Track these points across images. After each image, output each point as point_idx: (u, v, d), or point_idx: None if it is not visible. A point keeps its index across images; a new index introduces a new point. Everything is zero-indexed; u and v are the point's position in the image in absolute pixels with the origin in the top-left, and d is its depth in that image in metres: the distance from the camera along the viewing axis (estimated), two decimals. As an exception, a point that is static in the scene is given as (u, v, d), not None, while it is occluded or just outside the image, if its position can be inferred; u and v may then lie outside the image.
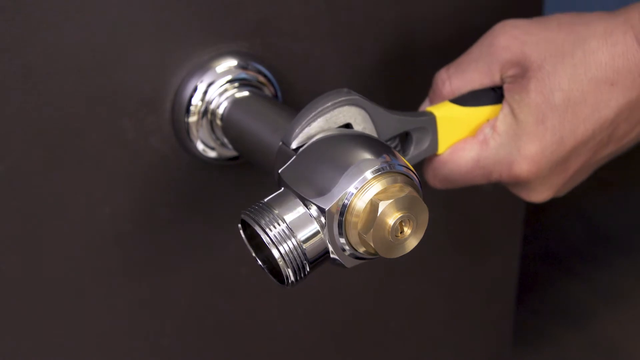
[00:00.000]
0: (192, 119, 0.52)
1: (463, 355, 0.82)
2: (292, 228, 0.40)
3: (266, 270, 0.42)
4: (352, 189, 0.39)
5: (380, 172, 0.40)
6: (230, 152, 0.54)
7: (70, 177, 0.51)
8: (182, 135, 0.53)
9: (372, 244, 0.39)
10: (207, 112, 0.52)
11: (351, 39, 0.58)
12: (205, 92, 0.52)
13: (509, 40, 0.49)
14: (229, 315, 0.63)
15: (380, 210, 0.38)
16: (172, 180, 0.55)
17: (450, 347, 0.81)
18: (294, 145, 0.43)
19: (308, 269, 0.40)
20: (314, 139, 0.43)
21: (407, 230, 0.40)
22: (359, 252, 0.41)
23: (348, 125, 0.45)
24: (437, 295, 0.76)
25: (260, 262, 0.42)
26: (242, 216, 0.41)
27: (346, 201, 0.39)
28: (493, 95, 0.50)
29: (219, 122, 0.52)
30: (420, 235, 0.41)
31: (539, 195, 0.52)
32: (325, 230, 0.40)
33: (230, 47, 0.53)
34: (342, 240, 0.40)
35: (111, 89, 0.50)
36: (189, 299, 0.60)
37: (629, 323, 1.08)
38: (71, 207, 0.52)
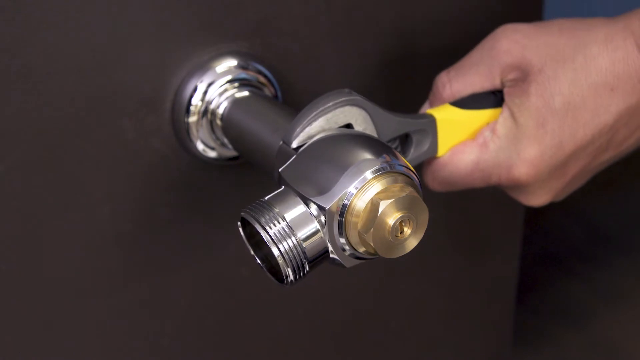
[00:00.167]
0: (192, 119, 0.52)
1: (463, 355, 0.82)
2: (292, 226, 0.40)
3: (265, 270, 0.42)
4: (352, 188, 0.39)
5: (381, 172, 0.40)
6: (230, 152, 0.54)
7: (70, 177, 0.51)
8: (182, 135, 0.53)
9: (372, 244, 0.39)
10: (207, 112, 0.52)
11: (351, 39, 0.58)
12: (205, 92, 0.52)
13: (510, 44, 0.49)
14: (229, 315, 0.63)
15: (380, 210, 0.38)
16: (172, 180, 0.55)
17: (450, 347, 0.81)
18: (294, 145, 0.43)
19: (307, 268, 0.40)
20: (314, 139, 0.43)
21: (407, 230, 0.40)
22: (359, 252, 0.41)
23: (349, 126, 0.45)
24: (437, 295, 0.76)
25: (259, 261, 0.42)
26: (242, 214, 0.41)
27: (346, 201, 0.39)
28: (493, 98, 0.50)
29: (219, 122, 0.52)
30: (420, 236, 0.41)
31: (538, 199, 0.52)
32: (325, 229, 0.40)
33: (230, 47, 0.53)
34: (342, 240, 0.40)
35: (111, 89, 0.50)
36: (189, 299, 0.60)
37: (629, 323, 1.08)
38: (71, 207, 0.52)
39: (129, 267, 0.56)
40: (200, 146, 0.53)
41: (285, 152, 0.44)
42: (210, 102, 0.52)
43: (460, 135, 0.51)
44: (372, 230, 0.39)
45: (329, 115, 0.44)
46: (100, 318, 0.57)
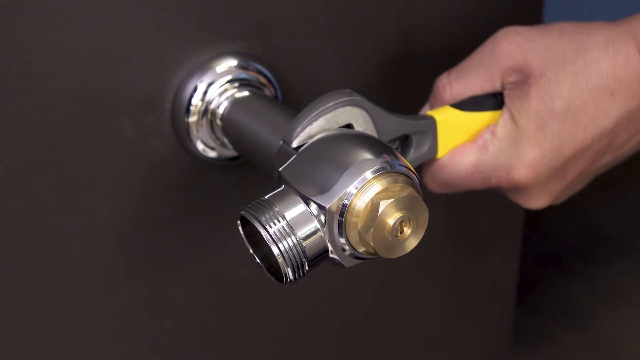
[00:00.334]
0: (192, 119, 0.52)
1: (463, 355, 0.82)
2: (292, 225, 0.40)
3: (264, 269, 0.42)
4: (352, 189, 0.39)
5: (381, 172, 0.40)
6: (230, 152, 0.54)
7: (70, 177, 0.51)
8: (182, 135, 0.53)
9: (372, 244, 0.39)
10: (207, 112, 0.52)
11: (351, 39, 0.58)
12: (205, 92, 0.52)
13: (511, 47, 0.49)
14: (229, 315, 0.63)
15: (380, 210, 0.38)
16: (172, 180, 0.55)
17: (450, 347, 0.81)
18: (294, 144, 0.43)
19: (307, 268, 0.40)
20: (314, 138, 0.43)
21: (407, 231, 0.40)
22: (359, 252, 0.41)
23: (349, 126, 0.45)
24: (437, 295, 0.76)
25: (258, 260, 0.42)
26: (242, 212, 0.41)
27: (346, 201, 0.39)
28: (493, 101, 0.51)
29: (219, 122, 0.52)
30: (420, 236, 0.41)
31: (537, 201, 0.52)
32: (325, 229, 0.40)
33: (230, 47, 0.53)
34: (342, 240, 0.40)
35: (111, 89, 0.50)
36: (189, 299, 0.60)
37: (629, 323, 1.08)
38: (71, 207, 0.52)
39: (129, 267, 0.56)
40: (200, 146, 0.53)
41: (285, 152, 0.44)
42: (210, 102, 0.52)
43: (460, 137, 0.51)
44: (372, 230, 0.39)
45: (329, 115, 0.44)
46: (100, 318, 0.57)
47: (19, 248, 0.51)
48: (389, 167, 0.40)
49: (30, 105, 0.48)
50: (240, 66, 0.53)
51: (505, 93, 0.50)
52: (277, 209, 0.40)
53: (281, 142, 0.44)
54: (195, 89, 0.52)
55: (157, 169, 0.54)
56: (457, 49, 0.58)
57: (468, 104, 0.51)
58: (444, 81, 0.52)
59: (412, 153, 0.50)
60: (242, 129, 0.51)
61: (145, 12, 0.49)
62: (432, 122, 0.50)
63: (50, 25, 0.47)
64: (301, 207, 0.40)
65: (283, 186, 0.42)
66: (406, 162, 0.41)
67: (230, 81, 0.52)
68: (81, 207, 0.52)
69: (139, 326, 0.59)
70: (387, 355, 0.75)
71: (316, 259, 0.41)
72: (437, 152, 0.51)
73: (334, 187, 0.39)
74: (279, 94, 0.55)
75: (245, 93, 0.52)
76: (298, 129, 0.43)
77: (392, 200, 0.39)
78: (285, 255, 0.39)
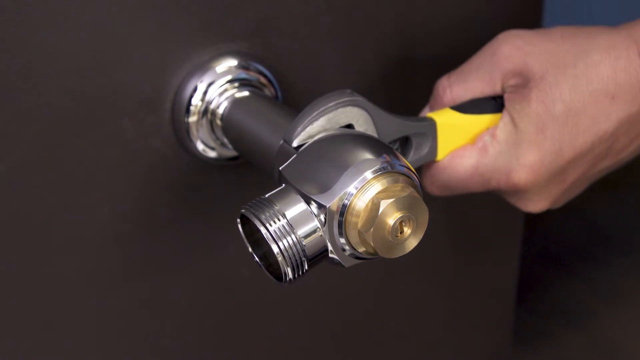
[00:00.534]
0: (192, 119, 0.52)
1: (463, 355, 0.82)
2: (292, 224, 0.40)
3: (263, 268, 0.42)
4: (352, 189, 0.39)
5: (381, 172, 0.40)
6: (230, 152, 0.54)
7: (70, 177, 0.51)
8: (182, 135, 0.53)
9: (372, 244, 0.39)
10: (207, 112, 0.52)
11: (351, 39, 0.58)
12: (205, 92, 0.52)
13: (512, 51, 0.49)
14: (229, 315, 0.63)
15: (381, 210, 0.38)
16: (172, 180, 0.55)
17: (450, 347, 0.81)
18: (295, 144, 0.43)
19: (306, 267, 0.40)
20: (315, 138, 0.43)
21: (407, 231, 0.40)
22: (359, 252, 0.41)
23: (350, 126, 0.45)
24: (437, 295, 0.76)
25: (257, 259, 0.42)
26: (242, 211, 0.41)
27: (346, 201, 0.39)
28: (493, 104, 0.51)
29: (219, 122, 0.52)
30: (420, 236, 0.41)
31: (536, 205, 0.52)
32: (325, 228, 0.40)
33: (230, 47, 0.53)
34: (342, 240, 0.40)
35: (111, 89, 0.50)
36: (189, 299, 0.60)
37: (629, 323, 1.08)
38: (71, 207, 0.52)
39: (129, 267, 0.56)
40: (200, 146, 0.53)
41: (285, 151, 0.44)
42: (210, 102, 0.52)
43: (460, 140, 0.51)
44: (372, 230, 0.39)
45: (330, 115, 0.44)
46: (100, 318, 0.57)
47: (19, 248, 0.51)
48: (389, 167, 0.40)
49: (30, 105, 0.48)
50: (240, 66, 0.53)
51: (506, 96, 0.50)
52: (277, 207, 0.40)
53: (282, 141, 0.44)
54: (195, 89, 0.52)
55: (157, 169, 0.54)
56: (457, 50, 0.58)
57: (468, 107, 0.51)
58: (444, 84, 0.52)
59: (412, 155, 0.50)
60: (242, 129, 0.51)
61: (145, 12, 0.49)
62: (432, 124, 0.50)
63: (50, 25, 0.47)
64: (302, 206, 0.40)
65: (283, 185, 0.42)
66: (407, 162, 0.41)
67: (230, 81, 0.52)
68: (81, 207, 0.52)
69: (139, 326, 0.59)
70: (387, 355, 0.75)
71: (316, 258, 0.40)
72: (437, 155, 0.51)
73: (334, 187, 0.39)
74: (279, 94, 0.55)
75: (245, 93, 0.52)
76: (299, 128, 0.43)
77: (392, 200, 0.39)
78: (285, 254, 0.39)
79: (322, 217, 0.40)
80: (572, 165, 0.49)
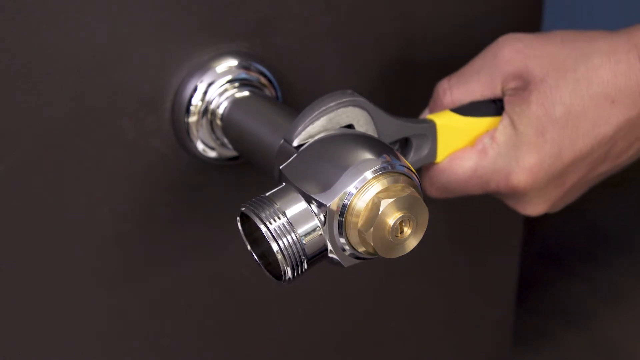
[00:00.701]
0: (192, 119, 0.52)
1: (463, 355, 0.82)
2: (292, 222, 0.40)
3: (262, 266, 0.42)
4: (351, 188, 0.39)
5: (381, 172, 0.40)
6: (230, 152, 0.54)
7: (70, 177, 0.51)
8: (182, 135, 0.53)
9: (372, 243, 0.39)
10: (207, 112, 0.52)
11: (351, 39, 0.58)
12: (205, 92, 0.52)
13: (512, 54, 0.49)
14: (229, 315, 0.63)
15: (381, 209, 0.38)
16: (172, 180, 0.55)
17: (450, 347, 0.81)
18: (295, 143, 0.43)
19: (306, 266, 0.40)
20: (316, 138, 0.43)
21: (407, 231, 0.40)
22: (359, 252, 0.41)
23: (350, 126, 0.45)
24: (437, 295, 0.76)
25: (256, 258, 0.42)
26: (243, 209, 0.41)
27: (346, 201, 0.39)
28: (493, 107, 0.51)
29: (219, 122, 0.52)
30: (420, 236, 0.41)
31: (534, 208, 0.52)
32: (325, 228, 0.40)
33: (230, 47, 0.53)
34: (342, 240, 0.40)
35: (111, 89, 0.50)
36: (189, 299, 0.60)
37: (629, 323, 1.08)
38: (71, 207, 0.52)
39: (129, 267, 0.56)
40: (200, 146, 0.53)
41: (286, 151, 0.44)
42: (210, 102, 0.52)
43: (459, 142, 0.51)
44: (372, 229, 0.39)
45: (331, 115, 0.44)
46: (101, 318, 0.57)
47: (19, 248, 0.51)
48: (389, 167, 0.40)
49: (30, 105, 0.48)
50: (241, 66, 0.53)
51: (506, 99, 0.50)
52: (277, 205, 0.40)
53: (282, 140, 0.44)
54: (195, 89, 0.52)
55: (157, 169, 0.54)
56: (457, 52, 0.58)
57: (468, 109, 0.51)
58: (444, 86, 0.52)
59: (412, 156, 0.50)
60: (242, 129, 0.51)
61: (145, 12, 0.49)
62: (432, 125, 0.50)
63: (50, 25, 0.47)
64: (302, 205, 0.40)
65: (284, 184, 0.42)
66: (407, 162, 0.41)
67: (230, 81, 0.52)
68: (81, 207, 0.52)
69: (139, 326, 0.59)
70: (387, 355, 0.75)
71: (315, 257, 0.40)
72: (437, 156, 0.51)
73: (335, 186, 0.39)
74: (279, 94, 0.55)
75: (245, 93, 0.52)
76: (300, 127, 0.43)
77: (392, 199, 0.39)
78: (285, 253, 0.39)
79: (322, 216, 0.40)
80: (572, 169, 0.49)
